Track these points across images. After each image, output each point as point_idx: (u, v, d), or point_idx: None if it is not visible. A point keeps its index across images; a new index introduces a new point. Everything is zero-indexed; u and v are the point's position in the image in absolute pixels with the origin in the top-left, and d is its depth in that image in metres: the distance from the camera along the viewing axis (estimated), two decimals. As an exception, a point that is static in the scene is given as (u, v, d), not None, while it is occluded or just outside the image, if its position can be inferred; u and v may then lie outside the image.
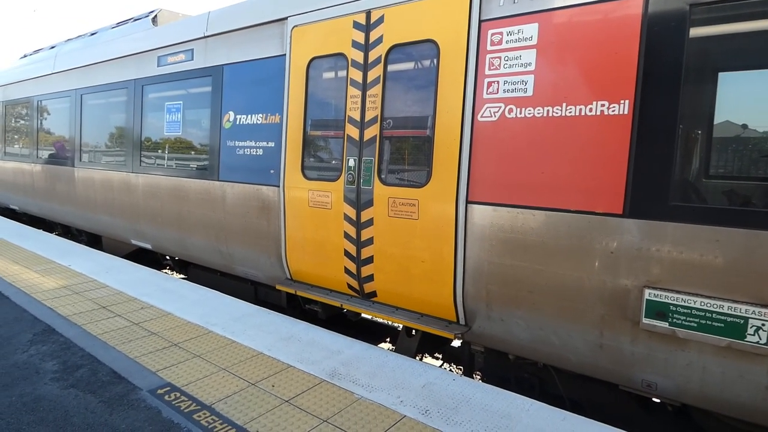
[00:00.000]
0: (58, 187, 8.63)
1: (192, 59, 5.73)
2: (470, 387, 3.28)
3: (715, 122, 2.89)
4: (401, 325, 4.60)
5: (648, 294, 2.88)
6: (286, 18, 4.74)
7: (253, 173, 4.99)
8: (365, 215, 4.15)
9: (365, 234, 4.17)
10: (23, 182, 9.90)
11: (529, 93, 3.27)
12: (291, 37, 4.68)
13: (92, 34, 8.69)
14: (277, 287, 4.90)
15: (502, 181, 3.39)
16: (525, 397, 3.16)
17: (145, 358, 3.59)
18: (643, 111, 2.87)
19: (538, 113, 3.23)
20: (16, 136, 10.35)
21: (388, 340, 5.81)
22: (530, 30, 3.28)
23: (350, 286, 4.40)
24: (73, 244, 7.60)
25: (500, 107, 3.40)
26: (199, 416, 2.82)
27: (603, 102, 3.00)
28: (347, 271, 4.34)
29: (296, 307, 5.30)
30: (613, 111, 2.97)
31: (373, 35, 4.12)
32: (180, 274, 7.26)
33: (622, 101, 2.93)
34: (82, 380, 3.27)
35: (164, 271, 7.96)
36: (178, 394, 3.07)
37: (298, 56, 4.63)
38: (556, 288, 3.20)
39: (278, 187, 4.75)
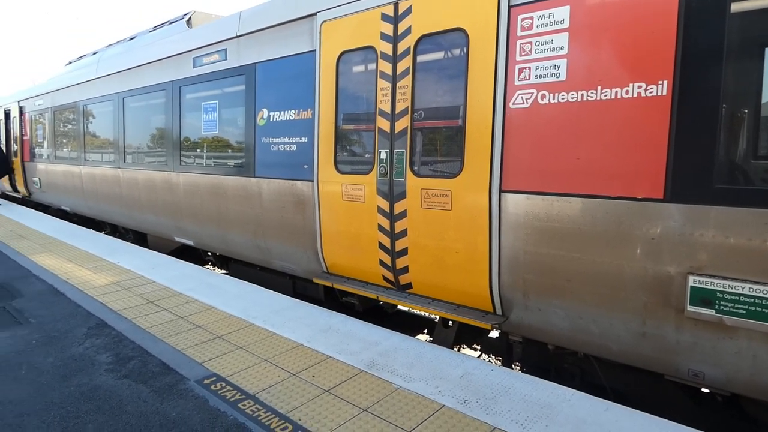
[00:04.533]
0: (104, 188, 9.04)
1: (226, 59, 5.88)
2: (509, 377, 3.27)
3: (764, 100, 2.76)
4: (438, 317, 4.62)
5: (692, 281, 2.80)
6: (315, 14, 4.79)
7: (288, 169, 5.09)
8: (398, 207, 4.17)
9: (399, 226, 4.20)
10: (73, 184, 10.41)
11: (562, 78, 3.21)
12: (320, 32, 4.73)
13: (131, 39, 9.02)
14: (314, 280, 5.01)
15: (536, 169, 3.34)
16: (566, 387, 3.14)
17: (191, 350, 3.75)
18: (683, 91, 2.77)
19: (572, 98, 3.17)
20: (64, 140, 10.87)
21: (425, 331, 5.85)
22: (562, 13, 3.21)
23: (385, 278, 4.45)
24: (120, 242, 7.97)
25: (532, 93, 3.35)
26: (244, 405, 2.93)
27: (640, 84, 2.91)
28: (382, 263, 4.39)
29: (333, 299, 5.40)
30: (650, 92, 2.87)
31: (402, 26, 4.12)
32: (221, 269, 7.50)
33: (660, 82, 2.83)
34: (134, 371, 3.45)
35: (206, 266, 8.24)
36: (223, 384, 3.20)
37: (327, 51, 4.68)
38: (594, 276, 3.15)
39: (312, 181, 4.84)
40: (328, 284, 4.86)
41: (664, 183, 2.84)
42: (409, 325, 5.89)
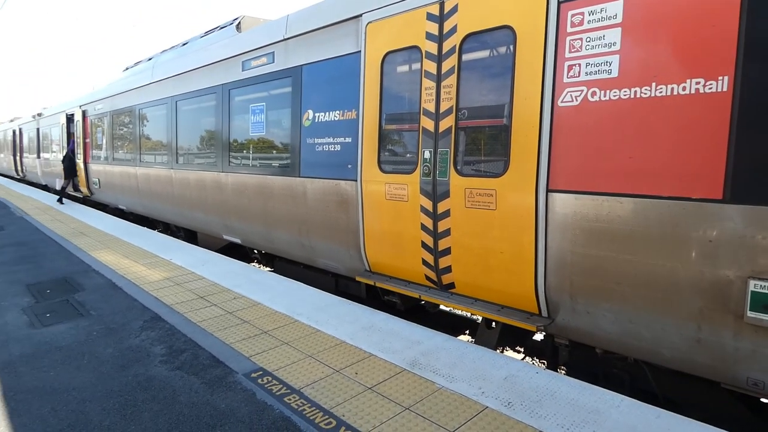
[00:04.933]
0: (158, 187, 9.45)
1: (273, 62, 6.02)
2: (555, 380, 3.20)
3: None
4: (481, 317, 4.57)
5: (753, 285, 2.65)
6: (360, 15, 4.84)
7: (332, 168, 5.17)
8: (442, 207, 4.16)
9: (442, 225, 4.18)
10: (129, 184, 10.94)
11: (614, 74, 3.11)
12: (365, 33, 4.78)
13: (184, 44, 9.38)
14: (357, 279, 5.05)
15: (586, 168, 3.25)
16: (614, 392, 3.04)
17: (239, 344, 3.87)
18: (744, 87, 2.62)
19: (625, 95, 3.06)
20: (121, 143, 11.43)
21: (467, 332, 5.80)
22: (614, 8, 3.11)
23: (428, 278, 4.44)
24: (173, 240, 8.31)
25: (582, 91, 3.26)
26: (290, 399, 3.00)
27: (698, 80, 2.78)
28: (425, 262, 4.38)
29: (375, 297, 5.44)
30: (710, 89, 2.74)
31: (447, 25, 4.10)
32: (267, 266, 7.69)
33: (720, 78, 2.70)
34: (186, 363, 3.59)
35: (252, 264, 8.47)
36: (270, 378, 3.28)
37: (372, 52, 4.71)
38: (646, 279, 3.03)
39: (356, 181, 4.89)
40: (371, 283, 4.89)
41: (723, 183, 2.70)
42: (451, 325, 5.85)
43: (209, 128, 7.58)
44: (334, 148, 5.13)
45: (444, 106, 4.13)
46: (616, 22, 3.10)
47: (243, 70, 6.61)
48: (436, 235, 4.23)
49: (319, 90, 5.35)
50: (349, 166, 4.94)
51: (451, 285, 4.27)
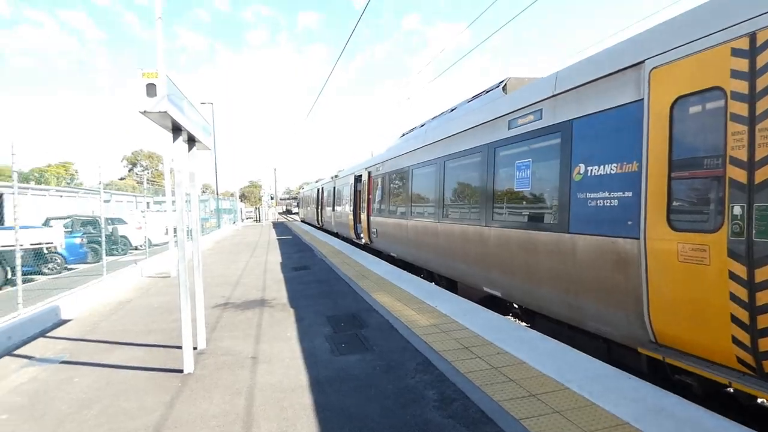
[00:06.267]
0: (425, 238, 10.30)
1: (540, 118, 5.99)
2: None
3: None
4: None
5: None
6: (642, 62, 4.43)
7: (608, 225, 4.72)
8: (761, 274, 3.31)
9: (762, 297, 3.31)
10: (401, 235, 12.25)
11: None
12: (649, 80, 4.33)
13: (452, 110, 10.25)
14: (639, 350, 4.39)
15: None
16: None
17: (507, 403, 3.74)
18: None
19: None
20: (396, 199, 12.99)
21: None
22: None
23: (741, 361, 3.53)
24: (436, 287, 8.84)
25: None
26: (569, 479, 2.70)
27: None
28: (736, 341, 3.52)
29: (658, 373, 4.62)
30: None
31: (762, 60, 3.38)
32: (525, 322, 7.43)
33: None
34: (457, 413, 3.64)
35: (508, 316, 8.31)
36: (544, 449, 3.04)
37: (658, 98, 4.22)
38: None
39: (637, 239, 4.33)
40: (657, 357, 4.18)
41: None
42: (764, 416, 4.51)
43: (474, 185, 7.94)
44: (611, 203, 4.70)
45: (761, 153, 3.35)
46: None
47: (509, 129, 6.76)
48: (754, 310, 3.36)
49: (592, 143, 5.04)
50: (629, 222, 4.43)
51: (778, 375, 3.30)
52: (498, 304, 8.03)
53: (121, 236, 19.49)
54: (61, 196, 28.90)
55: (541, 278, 5.87)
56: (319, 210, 31.76)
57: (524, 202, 6.44)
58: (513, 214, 6.71)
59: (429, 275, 11.01)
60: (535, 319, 6.71)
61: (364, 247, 17.38)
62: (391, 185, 13.46)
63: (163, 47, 9.60)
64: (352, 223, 19.24)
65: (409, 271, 11.75)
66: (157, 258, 13.87)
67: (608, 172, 4.76)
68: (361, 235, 17.47)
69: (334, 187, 24.87)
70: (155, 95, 4.07)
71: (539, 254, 5.87)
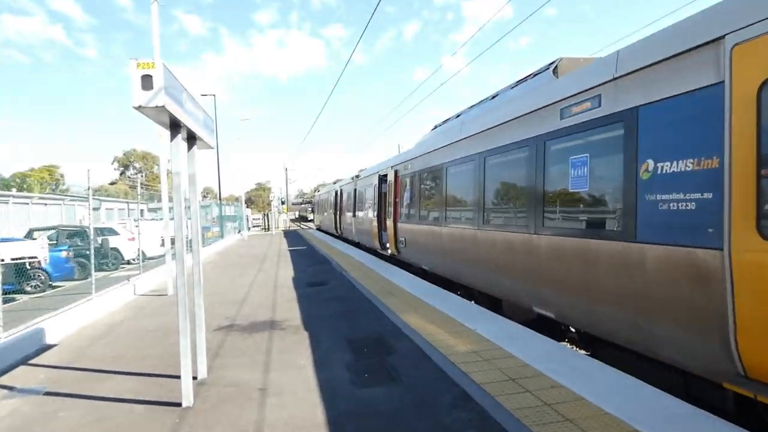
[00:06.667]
0: (462, 248, 10.24)
1: (599, 106, 5.90)
2: None
3: None
4: None
5: None
6: (721, 37, 4.32)
7: (682, 233, 4.60)
8: None
9: None
10: (433, 244, 12.22)
11: None
12: (731, 58, 4.21)
13: (493, 97, 10.19)
14: (725, 386, 4.25)
15: None
16: None
17: (563, 447, 3.68)
18: None
19: None
20: (428, 202, 12.97)
21: None
22: None
23: None
24: (476, 307, 8.78)
25: None
26: None
27: None
28: None
29: (748, 413, 4.46)
30: None
31: None
32: (583, 349, 7.30)
33: None
34: (502, 458, 3.60)
35: (563, 342, 8.17)
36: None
37: (742, 81, 4.10)
38: None
39: (720, 249, 4.21)
40: (748, 394, 4.03)
41: None
42: None
43: (520, 185, 7.86)
44: (686, 206, 4.58)
45: None
46: None
47: (561, 119, 6.68)
48: None
49: (662, 134, 4.93)
50: (710, 230, 4.31)
51: None
52: (551, 328, 7.91)
53: (112, 249, 20.01)
54: (46, 204, 29.96)
55: (601, 296, 5.76)
56: (338, 216, 32.02)
57: (581, 206, 6.33)
58: (567, 219, 6.61)
59: (467, 292, 10.94)
60: (597, 346, 6.58)
61: (391, 259, 17.40)
62: (422, 186, 13.46)
63: (159, 33, 9.87)
64: (376, 230, 19.30)
65: (444, 288, 11.70)
66: (152, 273, 14.22)
67: (682, 170, 4.64)
68: (387, 245, 17.51)
69: (355, 189, 25.02)
70: (151, 88, 4.18)
71: (599, 267, 5.76)
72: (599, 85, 5.91)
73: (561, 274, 6.58)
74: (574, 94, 6.41)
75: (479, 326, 7.32)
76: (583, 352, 7.33)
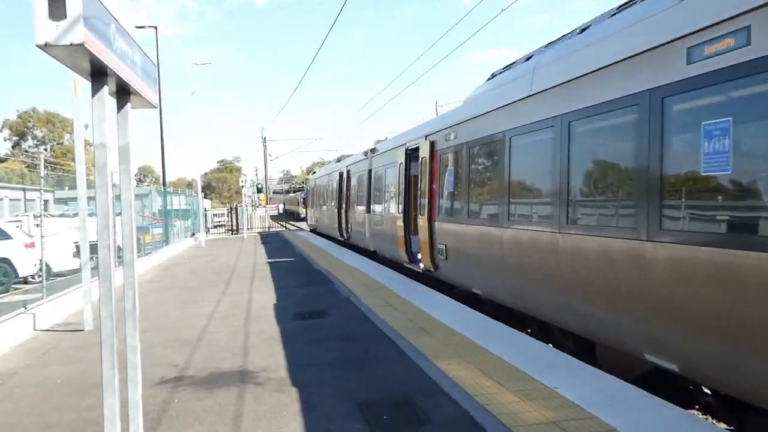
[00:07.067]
0: (534, 263, 10.15)
1: (747, 44, 5.80)
2: None
3: None
4: None
5: None
6: None
7: None
8: None
9: None
10: (489, 254, 12.13)
11: None
12: None
13: (581, 31, 10.09)
14: None
15: None
16: None
17: None
18: None
19: None
20: (479, 191, 12.88)
21: None
22: None
23: None
24: (556, 352, 8.74)
25: None
26: None
27: None
28: None
29: None
30: None
31: None
32: (723, 422, 7.21)
33: None
34: None
35: (692, 410, 8.08)
36: None
37: None
38: None
39: None
40: None
41: None
42: None
43: (623, 164, 7.78)
44: None
45: None
46: None
47: (689, 63, 6.58)
48: None
49: None
50: None
51: None
52: (673, 384, 7.83)
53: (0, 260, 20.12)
54: None
55: (761, 344, 5.64)
56: (343, 211, 31.81)
57: (720, 197, 6.25)
58: (699, 219, 6.55)
59: (542, 330, 10.88)
60: (746, 417, 6.49)
61: (424, 277, 17.29)
62: (473, 166, 13.37)
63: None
64: (401, 233, 19.03)
65: (506, 323, 11.65)
66: (61, 298, 14.33)
67: None
68: (419, 256, 17.37)
69: (370, 171, 24.88)
70: (64, 17, 4.17)
71: (749, 293, 5.66)
72: (746, 11, 5.82)
73: (689, 304, 6.49)
74: (708, 27, 6.31)
75: (561, 383, 7.26)
76: (724, 426, 7.24)
